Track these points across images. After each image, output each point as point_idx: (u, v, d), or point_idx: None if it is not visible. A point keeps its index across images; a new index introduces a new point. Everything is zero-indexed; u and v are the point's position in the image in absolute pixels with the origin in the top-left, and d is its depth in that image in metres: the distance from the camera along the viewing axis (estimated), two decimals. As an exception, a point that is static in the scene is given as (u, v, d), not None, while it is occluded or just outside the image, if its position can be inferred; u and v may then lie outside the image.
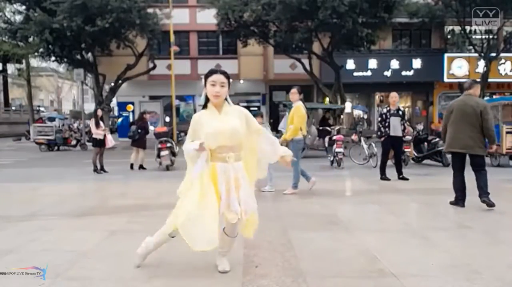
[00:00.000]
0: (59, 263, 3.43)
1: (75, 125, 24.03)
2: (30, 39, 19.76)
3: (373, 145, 10.74)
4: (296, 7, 16.19)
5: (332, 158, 11.00)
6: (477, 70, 21.79)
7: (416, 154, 11.27)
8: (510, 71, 22.61)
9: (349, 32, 16.82)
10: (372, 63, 22.31)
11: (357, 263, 3.42)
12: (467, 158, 5.51)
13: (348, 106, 22.49)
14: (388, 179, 8.01)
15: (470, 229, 4.52)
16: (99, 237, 4.24)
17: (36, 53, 20.58)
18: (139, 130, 10.89)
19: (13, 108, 38.94)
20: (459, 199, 5.51)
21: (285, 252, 3.69)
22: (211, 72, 3.06)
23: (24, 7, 19.75)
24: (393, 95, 8.31)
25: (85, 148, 18.14)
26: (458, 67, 22.38)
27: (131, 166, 10.73)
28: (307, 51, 20.01)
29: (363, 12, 16.54)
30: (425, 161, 11.32)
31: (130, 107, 24.43)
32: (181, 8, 21.99)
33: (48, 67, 40.04)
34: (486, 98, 18.55)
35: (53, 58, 20.54)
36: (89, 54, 20.84)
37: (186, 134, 3.39)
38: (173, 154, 10.64)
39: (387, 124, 8.09)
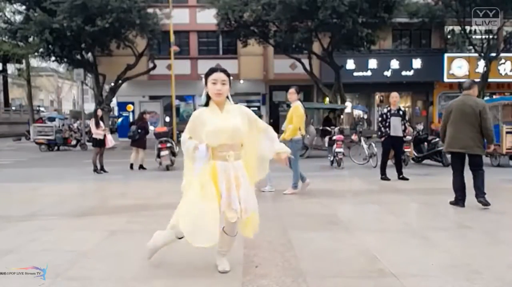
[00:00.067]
0: (59, 263, 3.43)
1: (75, 125, 23.95)
2: (30, 39, 19.74)
3: (373, 145, 10.74)
4: (296, 7, 16.19)
5: (332, 158, 11.00)
6: (477, 70, 21.80)
7: (416, 154, 11.27)
8: (510, 71, 22.61)
9: (349, 32, 16.82)
10: (372, 63, 22.30)
11: (357, 263, 3.41)
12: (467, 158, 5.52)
13: (348, 106, 22.48)
14: (388, 179, 8.01)
15: (470, 229, 4.51)
16: (99, 237, 4.24)
17: (36, 53, 20.56)
18: (139, 130, 10.89)
19: (13, 108, 38.90)
20: (459, 199, 5.51)
21: (285, 252, 3.69)
22: (212, 71, 3.06)
23: (24, 7, 19.74)
24: (394, 95, 8.31)
25: (85, 148, 18.13)
26: (458, 67, 22.37)
27: (131, 166, 10.73)
28: (307, 51, 20.00)
29: (363, 12, 16.54)
30: (425, 161, 11.32)
31: (130, 107, 24.43)
32: (181, 8, 21.98)
33: (48, 67, 39.99)
34: (486, 98, 18.57)
35: (53, 58, 20.54)
36: (89, 54, 20.83)
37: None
38: (173, 154, 10.64)
39: (387, 124, 8.08)
